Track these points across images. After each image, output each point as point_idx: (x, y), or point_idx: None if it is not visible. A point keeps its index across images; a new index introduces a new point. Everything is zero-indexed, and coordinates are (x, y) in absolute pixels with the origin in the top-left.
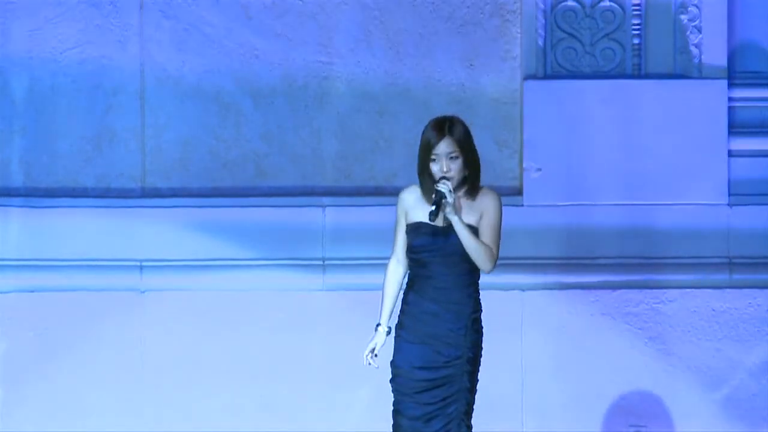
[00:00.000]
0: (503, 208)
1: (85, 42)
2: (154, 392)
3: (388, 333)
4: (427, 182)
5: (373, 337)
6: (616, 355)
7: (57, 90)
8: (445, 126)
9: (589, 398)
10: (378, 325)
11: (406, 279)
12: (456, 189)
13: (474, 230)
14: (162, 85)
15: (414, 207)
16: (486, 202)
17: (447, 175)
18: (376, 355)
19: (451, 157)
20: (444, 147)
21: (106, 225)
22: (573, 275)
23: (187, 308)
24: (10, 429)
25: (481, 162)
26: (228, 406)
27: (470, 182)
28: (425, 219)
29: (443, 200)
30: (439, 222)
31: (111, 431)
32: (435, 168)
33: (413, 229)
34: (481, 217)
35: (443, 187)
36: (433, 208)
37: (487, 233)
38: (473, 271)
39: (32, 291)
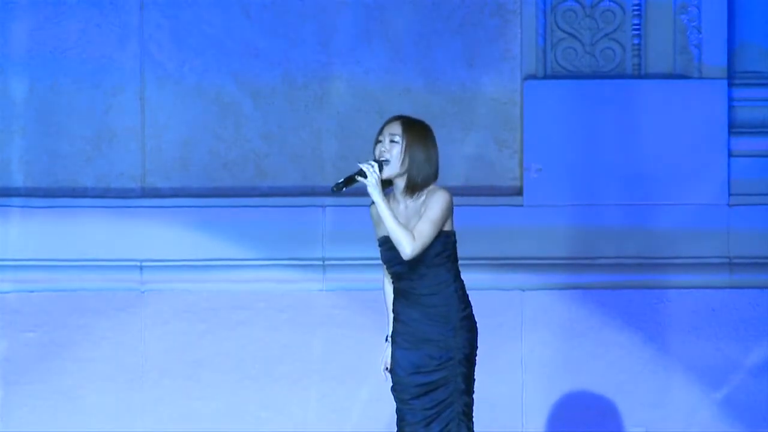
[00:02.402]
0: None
1: (85, 42)
2: (154, 392)
3: None
4: None
5: (384, 350)
6: (616, 356)
7: (57, 90)
8: (402, 116)
9: (590, 398)
10: (387, 337)
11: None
12: (394, 183)
13: None
14: (162, 84)
15: (379, 221)
16: (429, 199)
17: (382, 156)
18: (388, 368)
19: (392, 141)
20: (388, 129)
21: (106, 225)
22: (573, 275)
23: (187, 308)
24: (10, 429)
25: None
26: (228, 406)
27: (409, 179)
28: (387, 233)
29: (356, 176)
30: None
31: (111, 431)
32: (376, 151)
33: (380, 244)
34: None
35: (366, 165)
36: (341, 180)
37: (419, 224)
38: (450, 270)
39: (32, 291)
